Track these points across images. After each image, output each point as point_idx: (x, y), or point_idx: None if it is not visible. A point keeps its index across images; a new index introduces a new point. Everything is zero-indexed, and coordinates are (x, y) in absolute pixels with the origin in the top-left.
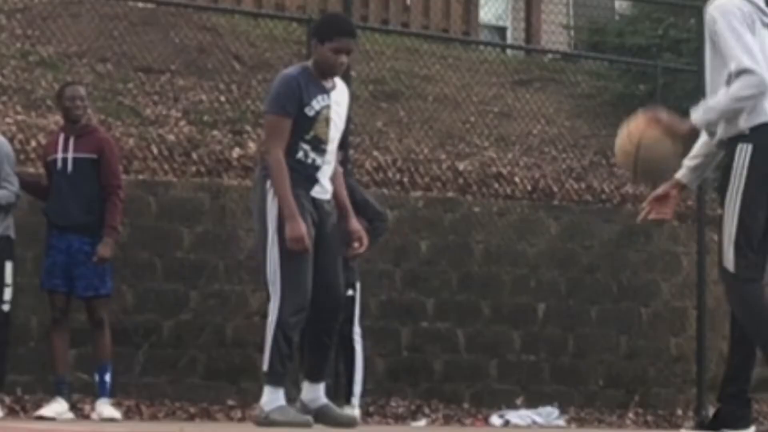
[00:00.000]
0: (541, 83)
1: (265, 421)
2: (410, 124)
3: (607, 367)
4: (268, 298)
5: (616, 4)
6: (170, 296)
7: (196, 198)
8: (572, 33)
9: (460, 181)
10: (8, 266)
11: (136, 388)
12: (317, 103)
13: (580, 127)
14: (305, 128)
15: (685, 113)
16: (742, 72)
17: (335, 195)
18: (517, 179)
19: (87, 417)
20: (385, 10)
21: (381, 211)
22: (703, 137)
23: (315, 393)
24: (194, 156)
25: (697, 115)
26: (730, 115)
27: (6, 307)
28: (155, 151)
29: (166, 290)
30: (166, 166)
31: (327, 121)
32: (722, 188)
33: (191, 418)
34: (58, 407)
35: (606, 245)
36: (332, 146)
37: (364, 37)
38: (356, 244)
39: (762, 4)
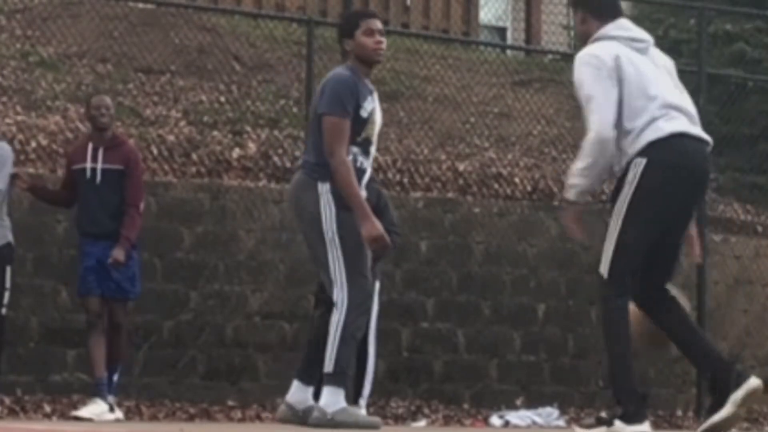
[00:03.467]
0: (541, 84)
1: (330, 423)
2: (410, 125)
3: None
4: (319, 298)
5: None
6: (170, 296)
7: (196, 198)
8: (572, 33)
9: (460, 181)
10: (8, 271)
11: (136, 388)
12: (368, 104)
13: (580, 127)
14: (358, 130)
15: None
16: (590, 132)
17: None
18: (517, 180)
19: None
20: (385, 11)
21: (397, 224)
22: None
23: (304, 395)
24: (194, 156)
25: (568, 191)
26: (594, 171)
27: (4, 311)
28: (155, 151)
29: (166, 290)
30: (166, 167)
31: (374, 122)
32: (613, 198)
33: (191, 418)
34: (95, 408)
35: None
36: (374, 148)
37: None
38: None
39: (634, 34)
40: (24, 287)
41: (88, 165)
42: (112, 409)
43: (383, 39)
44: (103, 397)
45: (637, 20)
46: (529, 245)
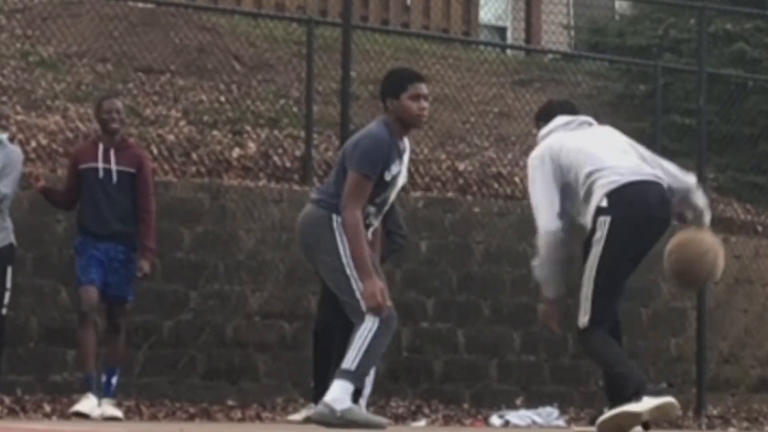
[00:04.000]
0: (541, 83)
1: (337, 420)
2: None
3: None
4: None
5: (616, 4)
6: (170, 296)
7: (196, 198)
8: (572, 33)
9: (460, 181)
10: (9, 271)
11: (136, 388)
12: (395, 168)
13: None
14: (378, 192)
15: (684, 113)
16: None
17: None
18: (517, 179)
19: (86, 416)
20: (385, 10)
21: (403, 226)
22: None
23: None
24: (194, 156)
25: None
26: (549, 264)
27: (4, 311)
28: (155, 151)
29: (166, 290)
30: (166, 166)
31: (396, 186)
32: (584, 256)
33: (191, 418)
34: (89, 403)
35: None
36: (388, 206)
37: (365, 37)
38: None
39: (567, 119)
40: (24, 287)
41: (100, 165)
42: (99, 404)
43: (427, 105)
44: (94, 392)
45: (638, 20)
46: (529, 245)
